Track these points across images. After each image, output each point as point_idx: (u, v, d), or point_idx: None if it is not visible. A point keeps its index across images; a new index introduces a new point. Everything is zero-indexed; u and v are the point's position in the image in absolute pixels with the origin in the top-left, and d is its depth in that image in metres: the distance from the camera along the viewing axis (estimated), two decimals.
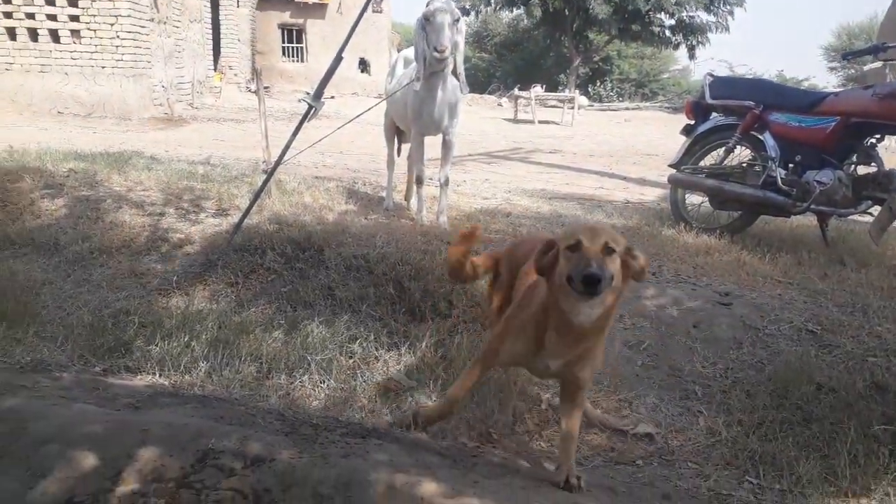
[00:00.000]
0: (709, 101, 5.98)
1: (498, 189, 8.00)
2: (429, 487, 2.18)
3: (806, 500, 2.66)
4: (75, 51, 15.13)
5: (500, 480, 2.38)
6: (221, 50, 23.10)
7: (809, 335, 3.87)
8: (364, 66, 27.57)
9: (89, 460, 2.21)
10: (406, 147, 6.46)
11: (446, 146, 5.79)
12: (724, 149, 5.90)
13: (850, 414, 3.12)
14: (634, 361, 3.77)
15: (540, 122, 19.10)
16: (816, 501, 2.64)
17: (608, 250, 2.32)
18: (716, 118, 6.03)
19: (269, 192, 5.97)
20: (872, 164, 5.28)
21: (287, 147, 4.79)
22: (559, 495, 2.31)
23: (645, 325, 4.03)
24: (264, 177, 5.46)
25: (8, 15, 14.98)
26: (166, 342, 3.71)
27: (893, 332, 3.86)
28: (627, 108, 26.31)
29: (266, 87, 24.55)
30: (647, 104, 29.02)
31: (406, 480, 2.21)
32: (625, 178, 9.90)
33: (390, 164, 6.56)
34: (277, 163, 4.93)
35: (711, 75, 6.18)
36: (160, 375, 3.39)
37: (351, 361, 3.75)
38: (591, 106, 26.98)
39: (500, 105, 24.52)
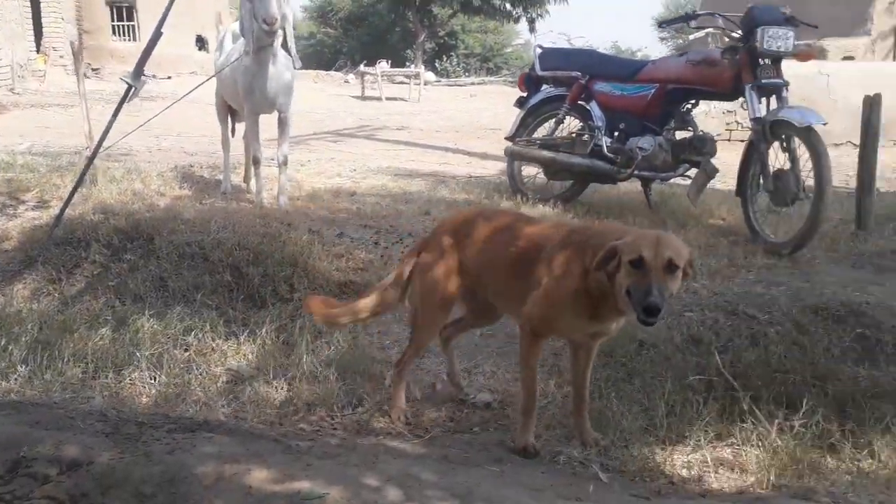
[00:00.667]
0: (539, 72, 6.16)
1: (343, 167, 7.93)
2: (258, 475, 2.15)
3: (628, 451, 2.84)
4: None
5: (334, 461, 2.39)
6: (43, 30, 21.45)
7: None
8: (202, 43, 26.43)
9: None
10: (241, 127, 6.27)
11: (282, 124, 5.67)
12: (554, 120, 6.11)
13: (668, 367, 3.35)
14: (474, 332, 3.86)
15: (387, 98, 19.08)
16: (637, 451, 2.81)
17: (671, 268, 2.34)
18: (546, 90, 6.22)
19: (94, 180, 5.64)
20: (689, 128, 5.64)
21: (107, 130, 4.52)
22: (392, 468, 2.34)
23: None
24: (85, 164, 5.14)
25: None
26: None
27: (708, 288, 4.16)
28: (473, 83, 26.71)
29: (95, 69, 23.06)
30: (492, 79, 29.59)
31: (235, 471, 2.17)
32: (468, 153, 10.07)
33: (225, 144, 6.35)
34: (97, 148, 4.66)
35: (541, 47, 6.36)
36: None
37: (186, 354, 3.64)
38: (439, 81, 27.22)
39: (346, 82, 24.28)
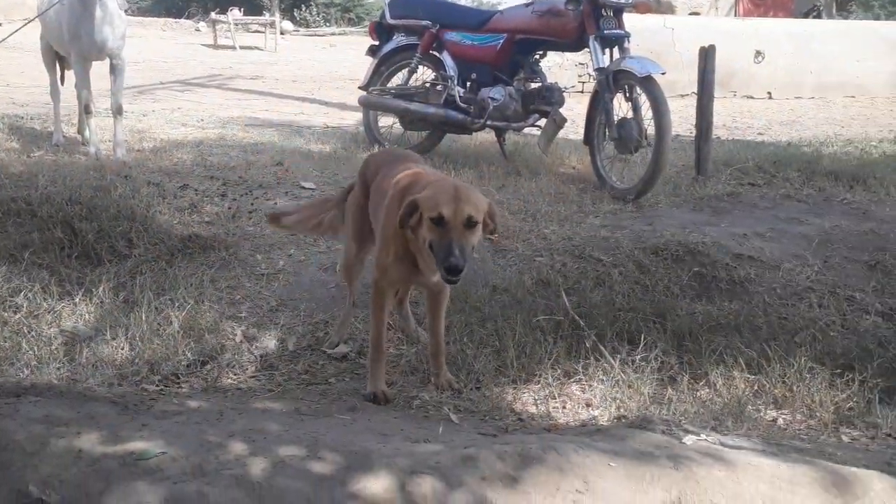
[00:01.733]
0: (389, 21, 6.06)
1: (190, 117, 7.55)
2: (88, 438, 2.03)
3: (480, 392, 2.89)
4: None
5: (174, 419, 2.28)
6: None
7: (487, 242, 4.16)
8: None
9: None
10: (71, 74, 5.81)
11: (115, 69, 5.31)
12: (407, 69, 6.04)
13: (518, 310, 3.42)
14: (328, 284, 3.80)
15: (242, 47, 18.26)
16: (488, 392, 2.87)
17: (470, 223, 2.39)
18: (398, 38, 6.12)
19: None
20: (538, 79, 5.72)
21: None
22: (239, 424, 2.26)
23: (337, 246, 4.06)
24: None
25: None
26: None
27: (557, 233, 4.28)
28: (333, 34, 26.05)
29: None
30: (353, 29, 28.96)
31: (64, 434, 2.03)
32: (326, 104, 9.84)
33: (54, 93, 5.88)
34: None
35: None
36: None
37: (17, 317, 3.36)
38: (297, 31, 26.35)
39: (197, 30, 23.03)
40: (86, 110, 5.32)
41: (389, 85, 6.18)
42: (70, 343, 3.23)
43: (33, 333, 3.24)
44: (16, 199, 4.10)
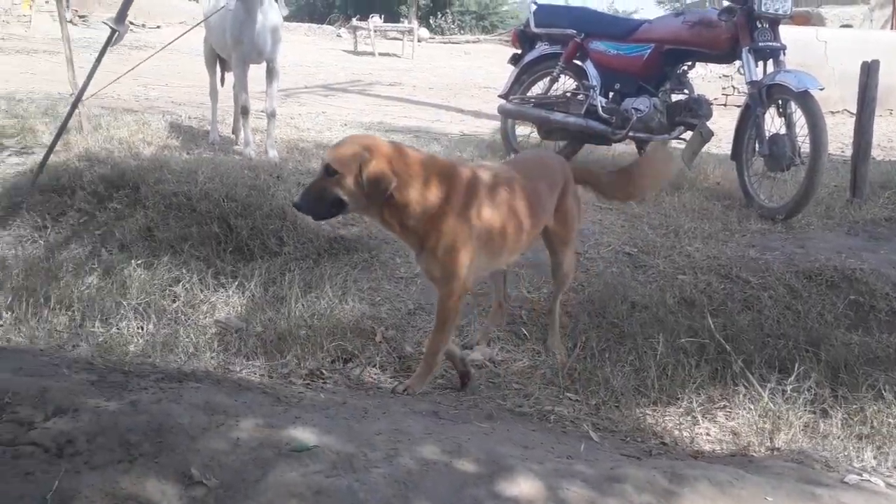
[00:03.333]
0: (534, 29, 6.05)
1: (334, 122, 7.80)
2: (246, 426, 2.12)
3: (620, 411, 2.83)
4: None
5: (323, 413, 2.36)
6: None
7: (626, 257, 4.09)
8: None
9: None
10: (231, 77, 6.14)
11: (271, 74, 5.56)
12: (549, 78, 6.02)
13: (660, 329, 3.33)
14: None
15: (380, 54, 18.76)
16: (629, 412, 2.81)
17: (330, 172, 2.55)
18: (541, 47, 6.11)
19: (79, 127, 5.52)
20: (684, 90, 5.56)
21: (90, 76, 4.41)
22: (383, 423, 2.32)
23: None
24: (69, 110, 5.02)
25: None
26: None
27: (701, 251, 4.14)
28: (468, 41, 26.31)
29: (82, 16, 22.53)
30: (488, 37, 29.14)
31: (222, 421, 2.14)
32: (461, 111, 9.95)
33: (213, 94, 6.22)
34: (80, 93, 4.54)
35: (536, 3, 6.22)
36: None
37: (175, 305, 3.59)
38: (433, 38, 26.80)
39: (339, 36, 23.85)
40: (243, 112, 5.60)
41: (529, 94, 6.17)
42: (223, 333, 3.41)
43: (190, 322, 3.45)
44: (177, 194, 4.37)
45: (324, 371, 3.12)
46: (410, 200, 2.61)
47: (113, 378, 2.41)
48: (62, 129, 4.67)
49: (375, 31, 19.78)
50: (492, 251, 2.83)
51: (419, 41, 21.18)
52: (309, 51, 17.88)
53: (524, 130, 6.44)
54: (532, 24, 6.05)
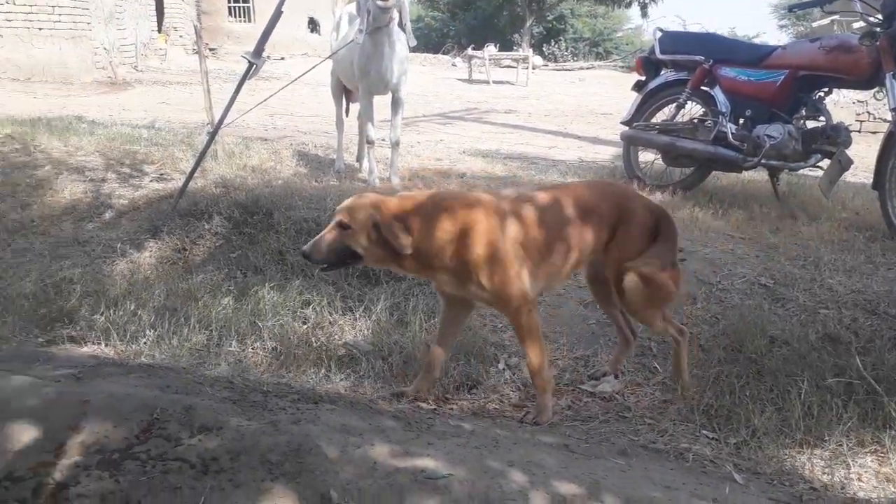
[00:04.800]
0: (659, 56, 5.94)
1: (452, 150, 7.90)
2: (382, 451, 2.13)
3: (762, 451, 2.68)
4: (10, 11, 14.47)
5: (454, 441, 2.35)
6: (165, 10, 22.35)
7: (762, 289, 3.91)
8: (313, 25, 26.96)
9: (29, 434, 2.11)
10: (355, 107, 6.32)
11: (396, 104, 5.67)
12: (674, 104, 5.88)
13: (803, 366, 3.14)
14: (589, 319, 3.76)
15: (494, 82, 18.95)
16: (772, 452, 2.65)
17: (342, 226, 2.67)
18: (666, 74, 6.00)
19: (214, 155, 5.80)
20: (821, 117, 5.32)
21: (228, 107, 4.63)
22: (515, 454, 2.28)
23: None
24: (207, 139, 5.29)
25: None
26: (112, 311, 3.59)
27: (845, 285, 3.91)
28: (581, 68, 26.24)
29: (212, 49, 23.87)
30: (601, 63, 28.98)
31: (358, 444, 2.16)
32: (578, 137, 9.88)
33: (339, 124, 6.41)
34: (219, 123, 4.77)
35: (661, 30, 6.13)
36: (105, 345, 3.27)
37: (304, 327, 3.67)
38: (546, 65, 26.87)
39: (453, 65, 24.26)
40: (367, 141, 5.73)
41: (653, 120, 6.05)
42: (350, 356, 3.47)
43: (320, 344, 3.52)
44: (307, 220, 4.51)
45: (449, 396, 3.12)
46: (429, 245, 2.65)
47: (253, 397, 2.48)
48: (202, 157, 4.92)
49: (490, 60, 19.99)
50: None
51: (533, 68, 21.26)
52: (425, 80, 18.26)
53: (647, 157, 6.31)
54: (657, 50, 5.94)
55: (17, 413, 2.21)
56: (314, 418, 2.31)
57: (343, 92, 6.26)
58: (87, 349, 3.20)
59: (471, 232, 2.65)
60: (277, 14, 4.39)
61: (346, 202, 2.74)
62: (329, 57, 5.89)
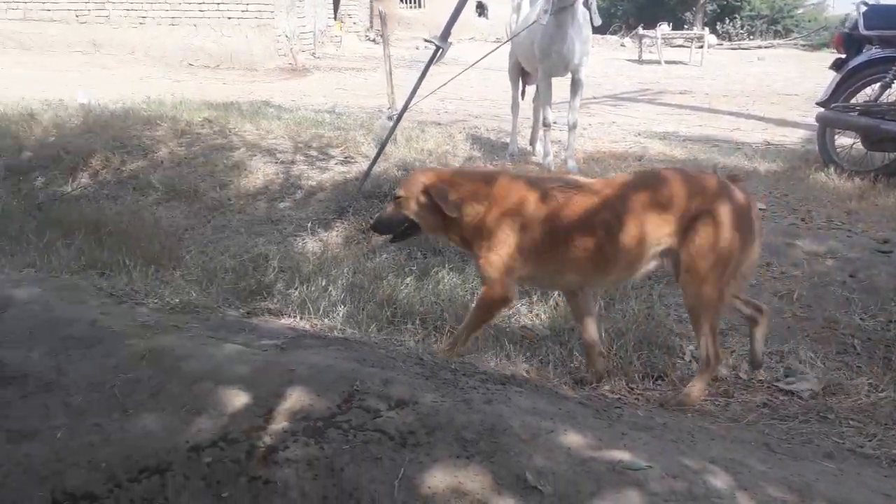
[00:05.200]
0: (863, 32, 5.47)
1: (627, 132, 7.69)
2: (574, 438, 2.10)
3: None
4: (203, 2, 15.58)
5: (647, 433, 2.28)
6: None
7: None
8: (482, 9, 27.11)
9: (241, 399, 2.26)
10: (531, 90, 6.28)
11: (575, 85, 5.57)
12: (879, 84, 5.40)
13: None
14: (784, 312, 3.54)
15: (666, 62, 18.25)
16: None
17: (398, 199, 2.88)
18: (870, 51, 5.51)
19: (393, 139, 5.96)
20: None
21: (414, 92, 4.73)
22: (714, 451, 2.18)
23: (795, 273, 3.77)
24: (387, 124, 5.44)
25: None
26: (305, 286, 3.78)
27: None
28: (760, 47, 24.75)
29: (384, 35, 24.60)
30: (782, 42, 27.20)
31: (550, 428, 2.15)
32: (762, 119, 9.32)
33: (514, 107, 6.39)
34: (404, 108, 4.89)
35: (866, 4, 5.63)
36: (300, 318, 3.45)
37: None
38: (721, 45, 25.55)
39: (622, 46, 23.60)
40: (544, 124, 5.68)
41: (853, 101, 5.59)
42: (528, 339, 3.46)
43: (500, 326, 3.54)
44: None
45: (633, 387, 3.04)
46: (463, 214, 2.80)
47: (443, 375, 2.53)
48: (387, 140, 5.07)
49: (662, 39, 19.28)
50: (545, 262, 2.79)
51: (707, 48, 20.29)
52: (594, 61, 17.75)
53: (845, 141, 5.85)
54: (861, 26, 5.47)
55: (228, 379, 2.37)
56: (505, 399, 2.32)
57: (520, 74, 6.24)
58: (284, 321, 3.38)
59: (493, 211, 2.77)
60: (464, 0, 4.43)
61: (403, 179, 2.94)
62: (509, 40, 5.87)
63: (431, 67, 4.80)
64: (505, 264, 2.77)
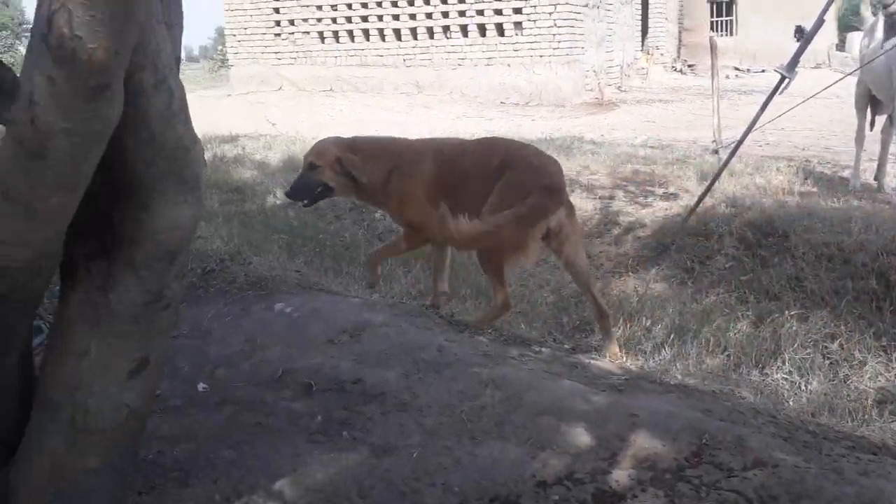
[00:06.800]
0: None
1: None
2: None
3: None
4: (517, 42, 16.29)
5: None
6: (648, 30, 23.00)
7: None
8: (801, 34, 25.18)
9: (584, 438, 2.25)
10: (880, 120, 5.65)
11: None
12: None
13: None
14: None
15: None
16: None
17: (312, 166, 3.29)
18: None
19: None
20: None
21: (752, 125, 4.50)
22: None
23: None
24: (712, 158, 5.21)
25: (461, 13, 16.69)
26: (627, 325, 3.72)
27: None
28: None
29: (691, 65, 23.83)
30: None
31: None
32: None
33: (859, 138, 5.81)
34: (741, 141, 4.66)
35: None
36: (626, 358, 3.39)
37: (828, 363, 3.36)
38: None
39: None
40: None
41: None
42: (881, 401, 3.07)
43: (849, 383, 3.18)
44: (828, 244, 4.15)
45: None
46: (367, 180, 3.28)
47: (801, 437, 2.31)
48: (717, 176, 4.87)
49: None
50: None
51: None
52: None
53: None
54: None
55: (571, 415, 2.38)
56: (884, 473, 2.06)
57: (868, 103, 5.65)
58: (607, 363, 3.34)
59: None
60: (819, 23, 4.12)
61: (311, 147, 3.39)
62: (862, 67, 5.36)
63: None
64: (416, 215, 3.29)
